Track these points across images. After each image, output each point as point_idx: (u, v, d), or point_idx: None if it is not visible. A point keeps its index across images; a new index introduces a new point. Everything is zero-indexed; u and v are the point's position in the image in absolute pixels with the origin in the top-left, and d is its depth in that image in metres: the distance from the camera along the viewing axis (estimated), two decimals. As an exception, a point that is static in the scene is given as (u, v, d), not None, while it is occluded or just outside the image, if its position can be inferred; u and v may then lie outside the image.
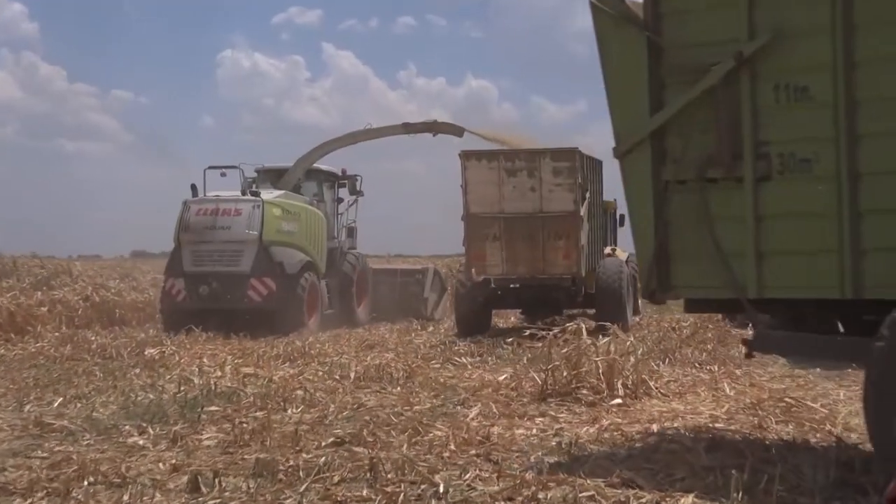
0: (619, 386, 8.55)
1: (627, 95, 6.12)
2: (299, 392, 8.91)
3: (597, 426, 7.20)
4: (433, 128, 19.23)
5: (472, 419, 7.57)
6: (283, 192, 17.34)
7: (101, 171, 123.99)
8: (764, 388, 9.25)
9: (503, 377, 9.64)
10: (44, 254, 25.67)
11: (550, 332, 9.34)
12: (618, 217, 19.04)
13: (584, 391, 8.46)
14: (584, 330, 9.17)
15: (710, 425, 7.14)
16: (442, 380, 9.94)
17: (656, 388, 8.79)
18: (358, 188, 19.11)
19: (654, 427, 7.00)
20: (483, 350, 12.49)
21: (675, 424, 7.20)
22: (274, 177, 18.05)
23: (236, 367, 10.72)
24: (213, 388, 9.10)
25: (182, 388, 9.12)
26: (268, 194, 16.76)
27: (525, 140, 18.02)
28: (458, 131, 19.13)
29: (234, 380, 9.70)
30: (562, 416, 7.79)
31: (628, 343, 9.79)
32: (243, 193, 16.65)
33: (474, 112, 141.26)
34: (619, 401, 8.24)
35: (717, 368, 10.62)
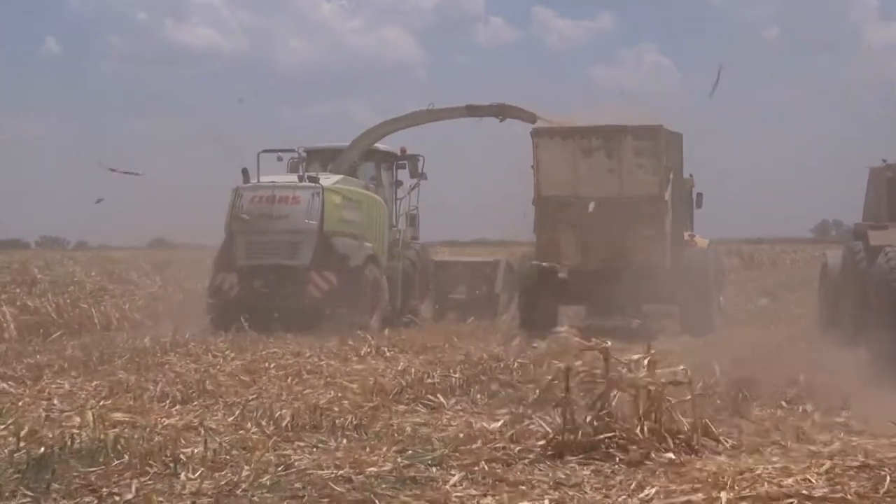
0: (670, 435, 8.58)
1: None
2: (198, 448, 8.87)
3: (639, 496, 7.21)
4: (501, 111, 23.31)
5: (454, 487, 7.58)
6: (341, 176, 21.80)
7: None
8: (885, 439, 9.31)
9: (499, 423, 9.64)
10: None
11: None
12: (694, 196, 22.11)
13: (619, 443, 8.48)
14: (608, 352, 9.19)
15: (804, 493, 7.17)
16: (409, 428, 9.94)
17: (724, 438, 8.82)
18: (420, 170, 23.42)
19: (723, 497, 7.02)
20: (470, 382, 12.52)
21: (752, 493, 7.23)
22: (325, 158, 22.85)
23: (103, 412, 10.65)
24: (69, 443, 9.02)
25: (23, 445, 9.05)
26: (326, 180, 21.08)
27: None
28: (529, 117, 22.72)
29: (101, 430, 9.63)
30: (586, 481, 7.80)
31: (681, 370, 9.82)
32: (300, 179, 21.10)
33: (449, 33, 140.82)
34: (670, 457, 8.28)
35: (813, 408, 10.66)
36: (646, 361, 9.15)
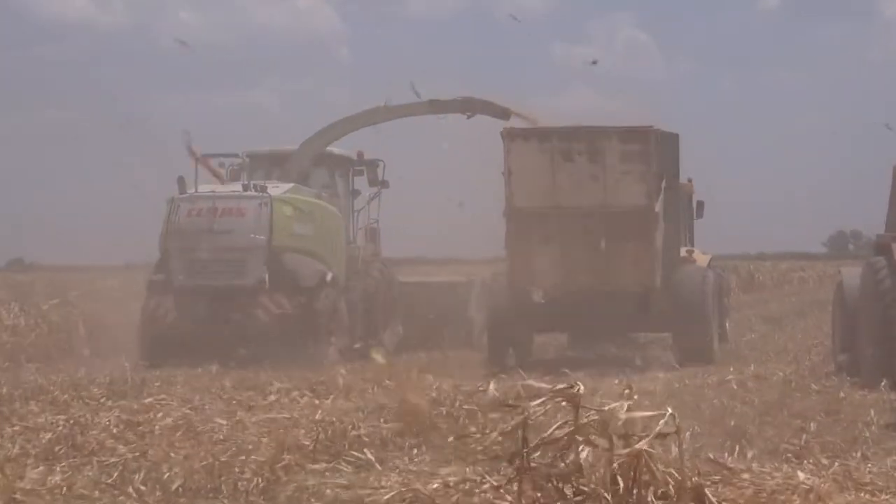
0: (653, 496, 8.55)
1: None
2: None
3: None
4: (469, 107, 25.36)
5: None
6: (291, 185, 23.35)
7: None
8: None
9: (447, 480, 9.58)
10: None
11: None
12: (695, 204, 23.40)
13: (589, 507, 8.45)
14: (580, 389, 9.15)
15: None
16: (330, 491, 9.93)
17: (718, 501, 8.81)
18: (380, 177, 25.17)
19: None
20: (405, 433, 12.49)
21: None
22: (269, 163, 24.61)
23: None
24: None
25: None
26: (275, 189, 22.56)
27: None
28: (502, 113, 24.77)
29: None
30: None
31: (665, 416, 9.79)
32: (245, 188, 22.40)
33: (375, 2, 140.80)
34: (652, 524, 8.23)
35: (825, 463, 10.68)
36: (625, 407, 9.09)
